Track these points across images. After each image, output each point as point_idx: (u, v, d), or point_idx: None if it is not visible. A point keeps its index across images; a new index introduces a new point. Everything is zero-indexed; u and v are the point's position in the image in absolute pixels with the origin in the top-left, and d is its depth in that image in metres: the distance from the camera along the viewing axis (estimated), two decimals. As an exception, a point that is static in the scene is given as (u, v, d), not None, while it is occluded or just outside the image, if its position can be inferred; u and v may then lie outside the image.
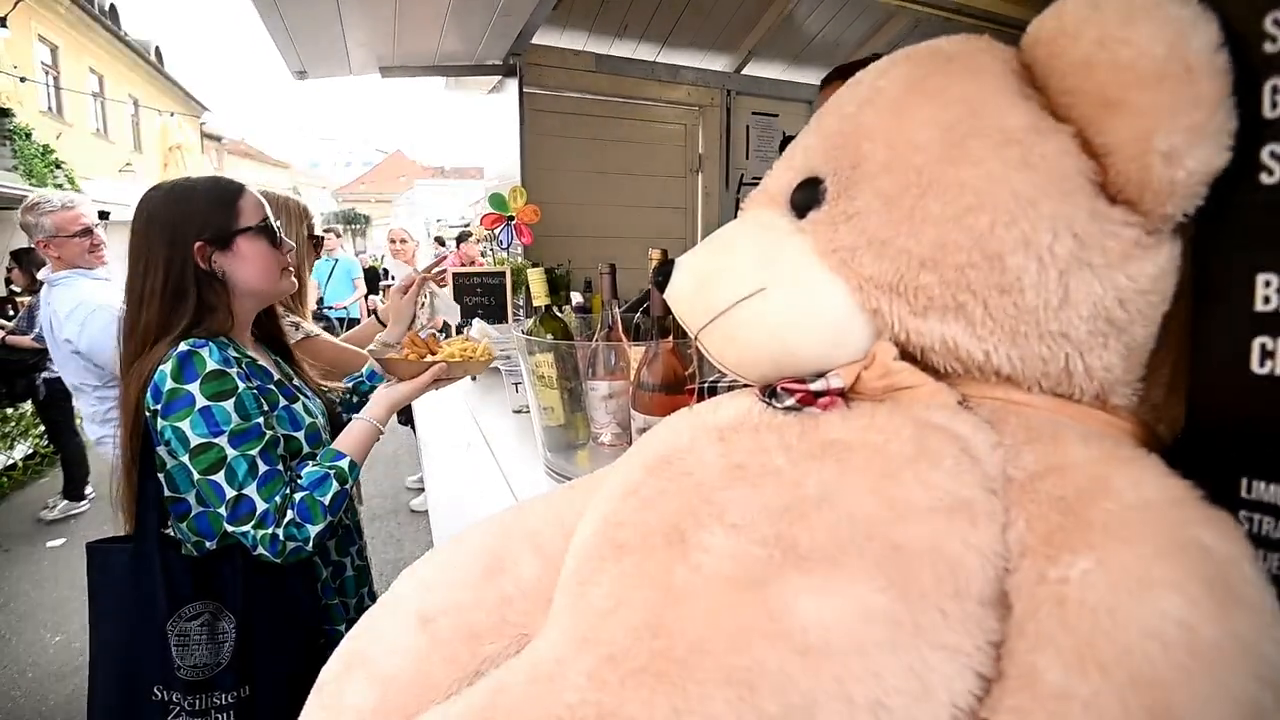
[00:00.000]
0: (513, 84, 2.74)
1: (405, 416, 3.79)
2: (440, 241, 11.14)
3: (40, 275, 2.53)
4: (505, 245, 2.38)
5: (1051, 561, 0.33)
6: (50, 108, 10.86)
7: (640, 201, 3.23)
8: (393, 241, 4.55)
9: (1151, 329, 0.42)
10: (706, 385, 0.70)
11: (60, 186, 5.67)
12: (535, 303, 1.19)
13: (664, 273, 0.56)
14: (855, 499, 0.38)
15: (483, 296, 2.30)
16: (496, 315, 2.22)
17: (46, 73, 11.22)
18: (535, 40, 2.68)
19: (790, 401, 0.48)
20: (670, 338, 0.94)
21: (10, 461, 4.22)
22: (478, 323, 2.08)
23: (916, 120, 0.43)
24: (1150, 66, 0.36)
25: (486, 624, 0.51)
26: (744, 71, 3.46)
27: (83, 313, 1.98)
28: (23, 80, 6.88)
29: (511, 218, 2.36)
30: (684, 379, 0.95)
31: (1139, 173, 0.37)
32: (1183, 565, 0.31)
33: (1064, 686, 0.30)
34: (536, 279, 1.17)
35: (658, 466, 0.48)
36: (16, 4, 8.52)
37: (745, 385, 0.55)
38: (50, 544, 3.53)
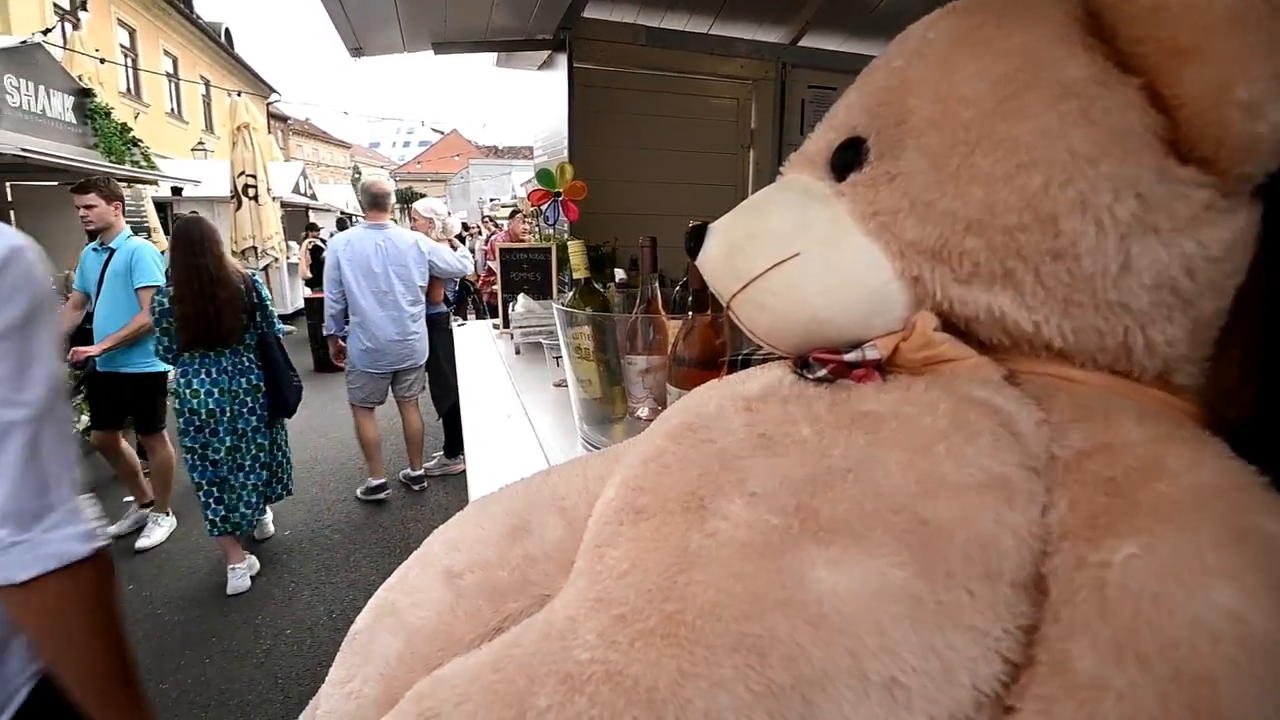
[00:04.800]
0: (562, 59, 2.72)
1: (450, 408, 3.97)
2: (493, 220, 11.30)
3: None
4: (551, 222, 2.39)
5: (1093, 545, 0.31)
6: (129, 89, 11.45)
7: (689, 178, 3.18)
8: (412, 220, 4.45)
9: (1222, 302, 0.38)
10: (740, 358, 0.69)
11: (137, 164, 5.96)
12: (575, 275, 1.18)
13: (696, 238, 0.55)
14: (882, 472, 0.37)
15: (528, 272, 2.32)
16: (541, 290, 2.24)
17: (125, 55, 11.82)
18: (585, 14, 2.66)
19: (822, 372, 0.46)
20: (709, 311, 0.92)
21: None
22: (522, 298, 2.10)
23: (967, 73, 0.41)
24: (1229, 8, 0.33)
25: (509, 583, 0.51)
26: (801, 43, 3.35)
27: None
28: (103, 62, 7.26)
29: (558, 194, 2.36)
30: (721, 354, 0.93)
31: (1215, 127, 0.34)
32: (1241, 554, 0.28)
33: (1097, 676, 0.28)
34: (577, 250, 1.17)
35: (681, 434, 0.47)
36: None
37: (780, 358, 0.53)
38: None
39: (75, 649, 0.71)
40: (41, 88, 4.96)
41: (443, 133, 41.29)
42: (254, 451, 2.89)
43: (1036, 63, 0.38)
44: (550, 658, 0.37)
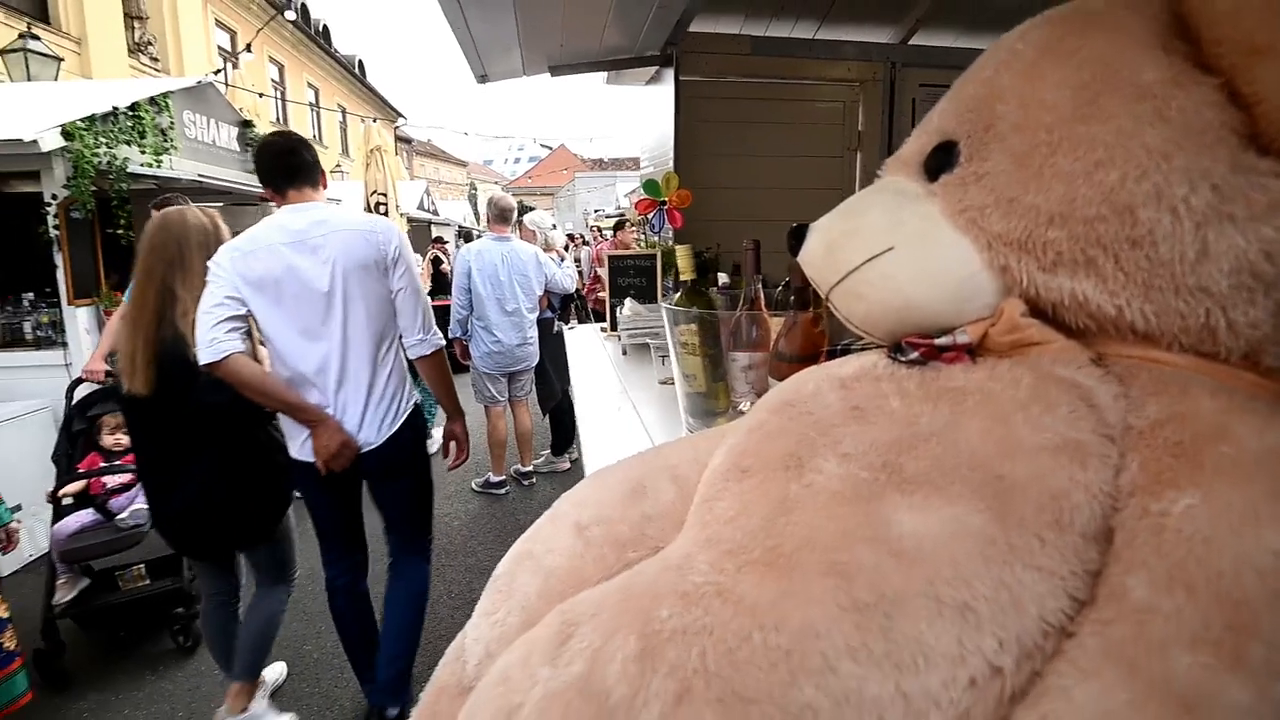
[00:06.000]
0: (669, 73, 2.83)
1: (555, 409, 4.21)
2: (599, 230, 11.67)
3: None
4: (657, 229, 2.49)
5: (1155, 497, 0.35)
6: (277, 118, 12.88)
7: (794, 184, 3.18)
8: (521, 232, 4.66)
9: (1306, 284, 0.40)
10: (839, 348, 0.74)
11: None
12: (682, 277, 1.27)
13: (798, 237, 0.61)
14: (963, 436, 0.42)
15: (635, 278, 2.43)
16: (647, 295, 2.35)
17: (275, 88, 13.32)
18: (691, 28, 2.75)
19: (914, 355, 0.51)
20: (810, 309, 0.97)
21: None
22: (629, 302, 2.22)
23: (1050, 81, 0.45)
24: (1304, 9, 0.35)
25: (629, 536, 0.60)
26: (911, 42, 3.27)
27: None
28: (261, 96, 8.24)
29: (664, 203, 2.46)
30: (822, 350, 0.98)
31: (1290, 120, 0.36)
32: (1297, 506, 0.31)
33: (1149, 602, 0.32)
34: (683, 254, 1.25)
35: (782, 408, 0.54)
36: (259, 31, 10.16)
37: (875, 348, 0.58)
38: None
39: (439, 378, 2.01)
40: (212, 120, 5.66)
41: (551, 148, 43.02)
42: None
43: (1115, 68, 0.42)
44: (669, 582, 0.44)
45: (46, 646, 2.40)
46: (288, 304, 1.76)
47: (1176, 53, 0.41)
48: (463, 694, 0.64)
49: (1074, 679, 0.31)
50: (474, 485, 4.15)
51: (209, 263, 1.75)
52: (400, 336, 1.96)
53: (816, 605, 0.37)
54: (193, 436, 1.87)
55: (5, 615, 2.04)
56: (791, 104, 3.14)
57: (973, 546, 0.36)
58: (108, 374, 3.11)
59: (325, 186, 1.94)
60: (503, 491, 4.08)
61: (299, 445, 1.86)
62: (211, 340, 1.66)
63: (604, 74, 3.41)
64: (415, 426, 2.00)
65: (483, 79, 2.81)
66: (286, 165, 1.84)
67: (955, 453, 0.41)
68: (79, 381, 2.97)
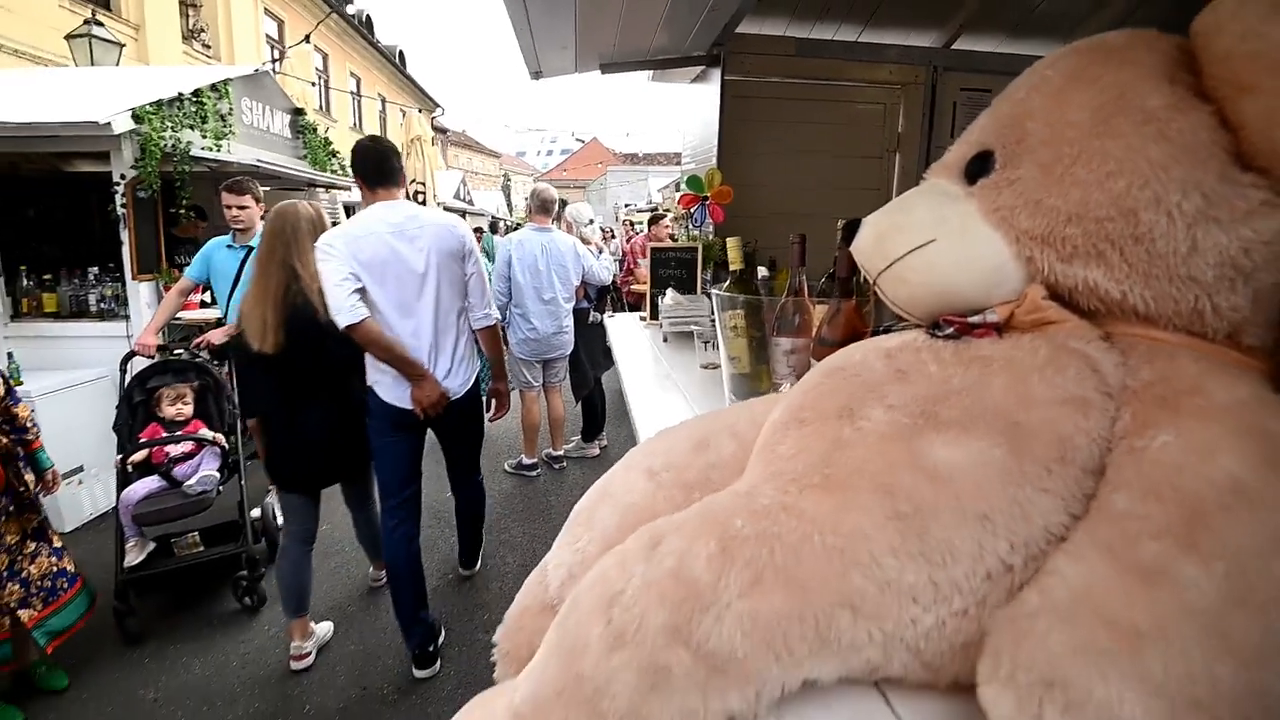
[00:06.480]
0: (715, 73, 2.91)
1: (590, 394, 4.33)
2: (630, 224, 11.78)
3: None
4: (699, 224, 2.59)
5: (1140, 436, 0.44)
6: (320, 106, 13.19)
7: (832, 183, 3.25)
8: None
9: (1278, 276, 0.49)
10: (882, 329, 0.83)
11: (334, 173, 6.89)
12: (731, 267, 1.36)
13: (851, 229, 0.70)
14: (988, 391, 0.51)
15: (676, 270, 2.53)
16: (688, 286, 2.44)
17: (319, 76, 13.64)
18: (738, 29, 2.83)
19: (950, 330, 0.61)
20: (853, 297, 1.06)
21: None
22: (670, 292, 2.32)
23: (1073, 103, 0.54)
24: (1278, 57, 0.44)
25: (696, 479, 0.70)
26: (954, 46, 3.31)
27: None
28: (312, 85, 8.52)
29: (706, 198, 2.55)
30: (863, 336, 1.07)
31: (1265, 144, 0.45)
32: (1249, 443, 0.41)
33: (1128, 509, 0.41)
34: (734, 246, 1.35)
35: (834, 372, 0.64)
36: (318, 24, 10.44)
37: (915, 327, 0.68)
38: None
39: (495, 345, 2.52)
40: (266, 107, 5.86)
41: (584, 141, 43.23)
42: None
43: (1127, 95, 0.51)
44: (741, 504, 0.55)
45: (121, 606, 2.58)
46: (390, 282, 2.18)
47: (1180, 83, 0.50)
48: (545, 611, 0.75)
49: (1066, 563, 0.41)
50: (507, 467, 4.30)
51: (318, 243, 2.14)
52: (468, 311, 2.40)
53: (866, 514, 0.47)
54: (319, 385, 2.33)
55: (59, 545, 2.31)
56: (833, 105, 3.20)
57: (993, 472, 0.46)
58: (160, 348, 3.22)
59: (404, 186, 2.36)
60: (534, 474, 4.23)
61: (400, 394, 2.27)
62: (351, 307, 2.06)
63: (649, 71, 3.50)
64: (479, 384, 2.56)
65: (536, 75, 2.92)
66: (383, 169, 2.29)
67: (982, 403, 0.50)
68: (131, 355, 3.10)
